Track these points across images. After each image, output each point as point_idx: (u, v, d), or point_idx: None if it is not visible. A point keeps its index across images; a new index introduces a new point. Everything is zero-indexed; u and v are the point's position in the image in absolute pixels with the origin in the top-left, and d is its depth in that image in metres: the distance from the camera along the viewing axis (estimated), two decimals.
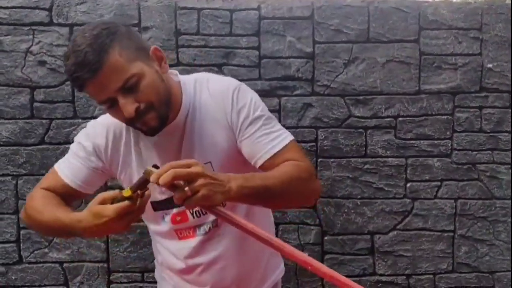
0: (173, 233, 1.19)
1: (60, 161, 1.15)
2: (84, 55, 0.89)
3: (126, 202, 0.87)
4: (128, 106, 0.94)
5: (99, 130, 1.13)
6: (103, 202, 0.89)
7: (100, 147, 1.12)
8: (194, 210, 1.15)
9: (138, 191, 0.88)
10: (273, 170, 1.02)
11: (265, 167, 1.06)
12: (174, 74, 1.13)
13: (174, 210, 1.15)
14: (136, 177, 1.13)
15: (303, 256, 0.83)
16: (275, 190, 0.95)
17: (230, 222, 0.88)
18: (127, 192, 0.87)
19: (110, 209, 0.86)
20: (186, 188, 0.83)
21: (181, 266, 1.20)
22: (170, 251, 1.22)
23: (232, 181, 0.89)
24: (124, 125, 1.10)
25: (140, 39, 1.03)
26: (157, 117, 1.00)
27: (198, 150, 1.10)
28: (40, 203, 1.07)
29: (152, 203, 1.15)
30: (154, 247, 1.31)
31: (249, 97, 1.10)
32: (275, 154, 1.06)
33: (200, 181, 0.83)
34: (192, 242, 1.17)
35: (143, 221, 1.26)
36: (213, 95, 1.10)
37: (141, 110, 0.97)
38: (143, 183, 0.86)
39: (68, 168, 1.12)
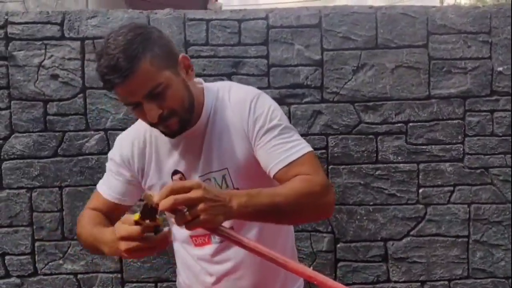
0: (189, 240, 1.20)
1: (100, 181, 1.23)
2: (117, 60, 0.93)
3: (132, 228, 0.86)
4: (153, 111, 0.99)
5: (125, 142, 1.19)
6: (124, 221, 0.90)
7: (127, 158, 1.18)
8: None
9: (148, 221, 0.85)
10: (283, 185, 1.02)
11: (279, 177, 1.06)
12: (198, 82, 1.17)
13: None
14: (154, 184, 1.16)
15: (307, 270, 0.83)
16: (284, 207, 0.95)
17: (231, 241, 0.88)
18: (136, 216, 0.86)
19: (120, 229, 0.88)
20: (187, 213, 0.84)
21: (199, 269, 1.22)
22: (190, 254, 1.23)
23: (234, 200, 0.89)
24: (147, 135, 1.17)
25: (170, 44, 1.05)
26: (179, 122, 1.04)
27: (216, 156, 1.12)
28: (85, 221, 1.14)
29: None
30: (176, 252, 1.32)
31: (267, 106, 1.11)
32: (289, 164, 1.04)
33: (201, 206, 0.83)
34: (209, 249, 1.18)
35: None
36: (233, 103, 1.13)
37: (164, 116, 1.01)
38: (146, 209, 0.85)
39: (105, 185, 1.20)
